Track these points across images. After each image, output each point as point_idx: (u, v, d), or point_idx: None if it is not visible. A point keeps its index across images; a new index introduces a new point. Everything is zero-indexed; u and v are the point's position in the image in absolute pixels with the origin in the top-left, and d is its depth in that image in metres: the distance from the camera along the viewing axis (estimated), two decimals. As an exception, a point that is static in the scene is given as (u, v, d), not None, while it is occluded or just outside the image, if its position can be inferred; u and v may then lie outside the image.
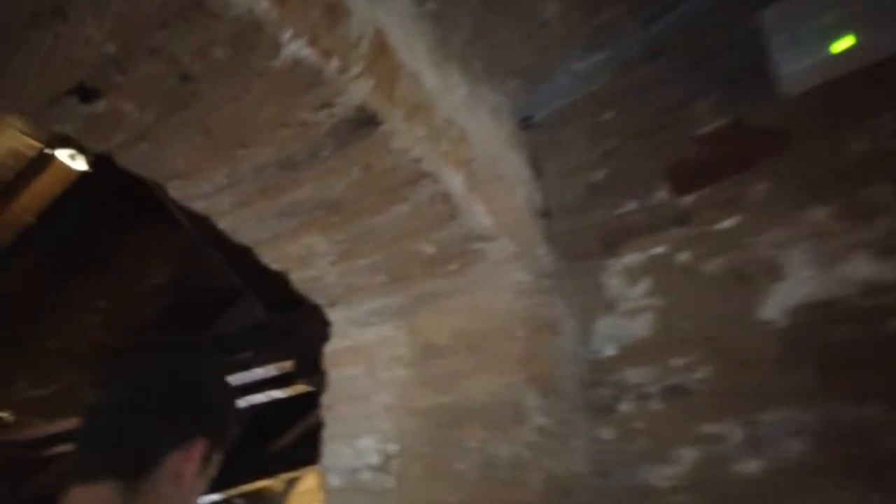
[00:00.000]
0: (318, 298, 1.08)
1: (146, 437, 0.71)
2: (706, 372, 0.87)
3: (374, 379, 1.01)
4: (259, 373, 2.97)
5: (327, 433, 1.01)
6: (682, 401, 0.88)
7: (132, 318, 3.57)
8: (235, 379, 3.00)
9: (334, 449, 0.98)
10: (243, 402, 3.23)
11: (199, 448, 0.72)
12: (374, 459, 0.94)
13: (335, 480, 0.96)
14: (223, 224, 0.96)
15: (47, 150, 3.25)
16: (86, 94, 0.76)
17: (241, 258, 3.04)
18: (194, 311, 3.45)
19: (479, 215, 0.93)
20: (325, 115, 0.78)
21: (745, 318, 0.88)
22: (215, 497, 5.51)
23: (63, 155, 3.16)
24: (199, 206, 0.93)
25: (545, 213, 1.14)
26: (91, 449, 0.74)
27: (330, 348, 1.09)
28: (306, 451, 5.78)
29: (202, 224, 3.03)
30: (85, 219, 3.71)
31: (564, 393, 0.93)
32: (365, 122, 0.78)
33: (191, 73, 0.72)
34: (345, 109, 0.77)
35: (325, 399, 1.05)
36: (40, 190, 3.38)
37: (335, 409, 1.02)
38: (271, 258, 1.01)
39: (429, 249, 0.96)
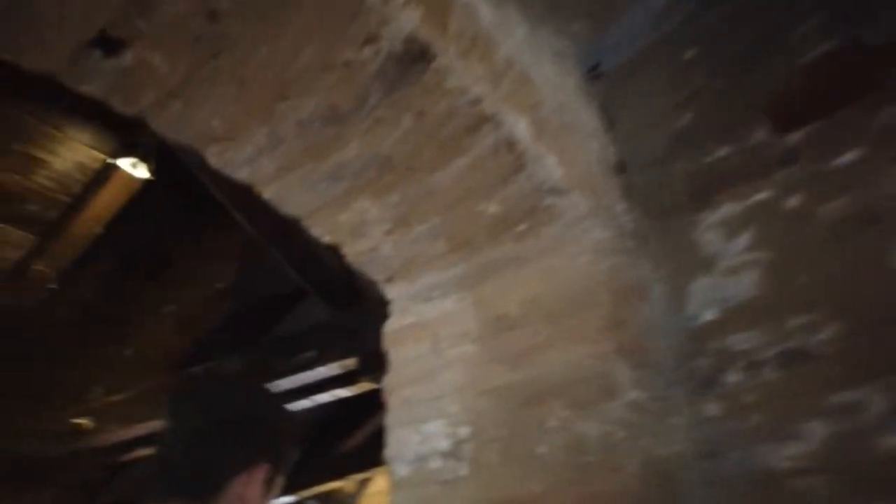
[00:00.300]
0: (375, 273, 0.99)
1: (212, 463, 0.80)
2: (832, 332, 0.73)
3: (440, 357, 0.91)
4: (323, 372, 2.92)
5: (391, 419, 0.92)
6: (803, 367, 0.74)
7: (199, 323, 3.61)
8: (300, 379, 2.97)
9: (400, 436, 0.89)
10: (309, 402, 3.20)
11: (260, 473, 0.80)
12: (444, 445, 0.84)
13: (402, 470, 0.86)
14: (268, 193, 0.88)
15: (110, 161, 3.31)
16: (109, 45, 0.69)
17: (302, 258, 3.02)
18: (258, 313, 3.45)
19: (550, 166, 0.82)
20: (370, 52, 0.68)
21: (878, 267, 0.73)
22: (288, 499, 5.55)
23: (125, 164, 3.20)
24: (241, 174, 0.85)
25: (621, 168, 1.02)
26: (163, 471, 0.82)
27: (390, 327, 1.00)
28: (376, 451, 5.75)
29: (262, 225, 3.02)
30: (150, 226, 3.78)
31: (659, 364, 0.81)
32: (415, 57, 0.69)
33: (219, 10, 0.64)
34: (392, 43, 0.67)
35: (388, 382, 0.95)
36: (106, 200, 3.45)
37: (399, 393, 0.93)
38: (322, 229, 0.93)
39: (493, 209, 0.86)
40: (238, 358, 3.14)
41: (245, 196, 2.87)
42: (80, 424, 3.63)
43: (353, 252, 0.96)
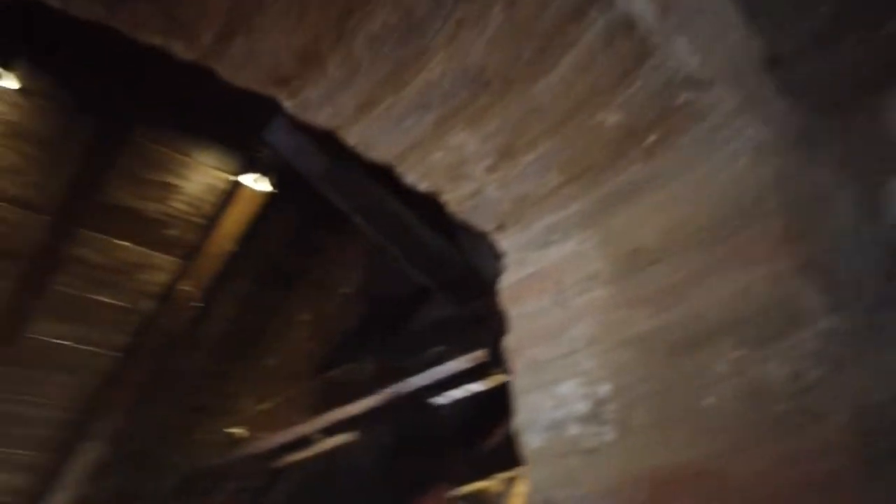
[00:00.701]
0: (483, 222, 0.87)
1: (399, 484, 0.70)
2: None
3: (567, 308, 0.76)
4: (453, 366, 2.83)
5: (518, 384, 0.79)
6: None
7: (333, 329, 3.66)
8: (430, 375, 2.90)
9: (530, 402, 0.75)
10: (443, 399, 3.12)
11: (441, 492, 0.71)
12: (582, 408, 0.70)
13: (535, 440, 0.73)
14: (353, 139, 0.78)
15: (234, 179, 3.44)
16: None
17: (425, 257, 2.96)
18: (386, 314, 3.45)
19: (682, 51, 0.65)
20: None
21: None
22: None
23: (248, 180, 3.32)
24: (321, 117, 0.76)
25: (773, 62, 0.82)
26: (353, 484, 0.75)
27: (505, 282, 0.86)
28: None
29: (384, 228, 3.00)
30: (278, 239, 3.90)
31: (855, 284, 0.61)
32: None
33: None
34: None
35: (510, 343, 0.82)
36: (236, 218, 3.60)
37: (524, 354, 0.79)
38: (417, 174, 0.82)
39: (614, 119, 0.71)
40: (371, 359, 3.14)
41: (365, 200, 2.85)
42: (235, 434, 3.80)
43: (456, 199, 0.84)
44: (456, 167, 0.79)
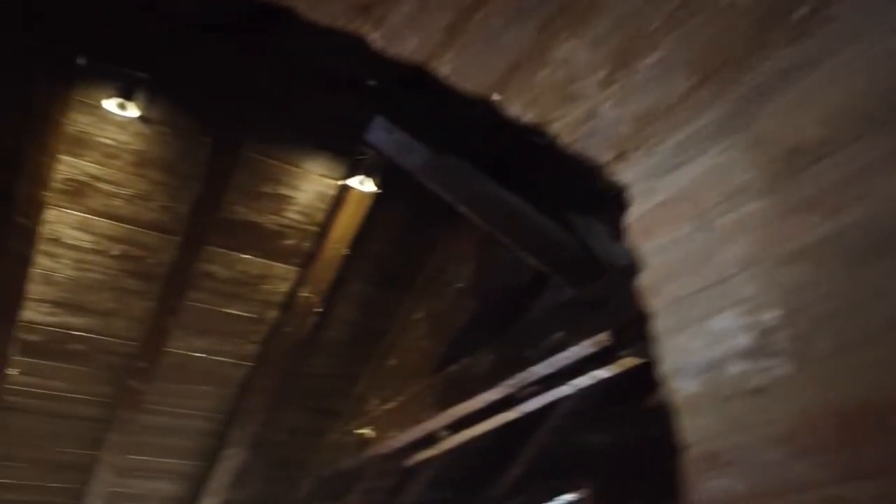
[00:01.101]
0: (600, 152, 0.76)
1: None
2: None
3: (712, 231, 0.65)
4: (576, 352, 2.70)
5: (660, 326, 0.68)
6: None
7: (449, 325, 3.63)
8: (553, 363, 2.78)
9: (677, 344, 0.64)
10: (569, 388, 2.99)
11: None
12: (744, 341, 0.58)
13: (688, 385, 0.62)
14: (446, 68, 0.71)
15: (340, 182, 3.50)
16: None
17: (538, 243, 2.86)
18: (501, 305, 3.37)
19: None
20: None
21: None
22: (570, 497, 5.34)
23: (355, 182, 3.36)
24: (409, 47, 0.70)
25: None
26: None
27: (633, 217, 0.75)
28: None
29: (494, 219, 2.93)
30: (389, 240, 3.93)
31: None
32: None
33: None
34: None
35: (645, 282, 0.71)
36: (347, 222, 3.66)
37: (663, 291, 0.68)
38: (521, 102, 0.73)
39: (751, -6, 0.59)
40: (490, 352, 3.06)
41: (471, 189, 2.78)
42: (364, 434, 3.85)
43: (566, 127, 0.74)
44: (565, 85, 0.69)
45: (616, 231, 2.89)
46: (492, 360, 3.00)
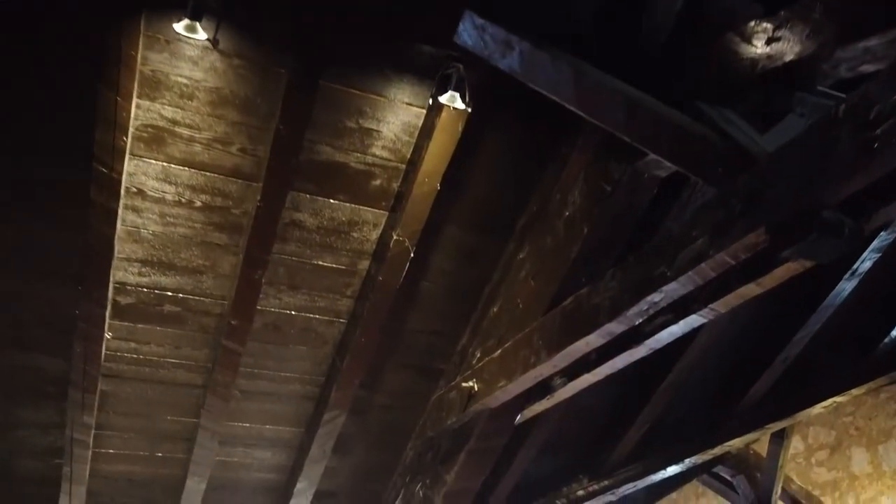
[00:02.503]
0: None
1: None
2: None
3: None
4: (721, 261, 2.24)
5: None
6: None
7: (560, 259, 3.23)
8: (691, 280, 2.33)
9: None
10: (707, 313, 2.53)
11: None
12: None
13: None
14: None
15: (428, 104, 3.18)
16: None
17: (663, 136, 2.42)
18: (622, 227, 2.95)
19: None
20: None
21: None
22: (677, 468, 4.81)
23: (444, 99, 3.02)
24: None
25: None
26: None
27: None
28: (793, 392, 4.71)
29: (606, 109, 2.51)
30: (484, 174, 3.58)
31: None
32: None
33: None
34: None
35: None
36: (437, 153, 3.33)
37: None
38: None
39: None
40: (613, 277, 2.65)
41: (585, 86, 2.35)
42: (470, 388, 3.53)
43: None
44: None
45: (758, 121, 2.40)
46: (615, 286, 2.59)
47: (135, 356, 3.86)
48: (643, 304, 2.46)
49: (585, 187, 3.10)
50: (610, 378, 4.63)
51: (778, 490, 7.29)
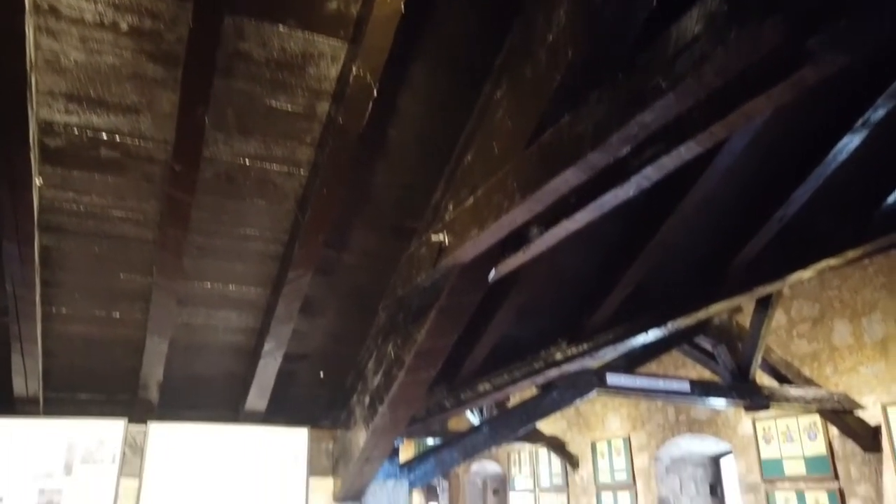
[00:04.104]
0: None
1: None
2: None
3: None
4: (729, 63, 1.87)
5: None
6: None
7: (536, 91, 2.83)
8: (688, 90, 1.97)
9: None
10: (699, 144, 2.19)
11: None
12: None
13: None
14: None
15: None
16: None
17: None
18: (613, 43, 2.52)
19: None
20: None
21: None
22: (659, 332, 4.64)
23: None
24: None
25: None
26: None
27: None
28: (786, 253, 4.48)
29: None
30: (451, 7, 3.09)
31: None
32: None
33: None
34: None
35: None
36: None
37: None
38: None
39: None
40: (596, 102, 2.26)
41: None
42: (440, 242, 3.24)
43: None
44: None
45: None
46: (601, 109, 2.21)
47: (75, 207, 3.52)
48: (632, 127, 2.10)
49: (572, 3, 2.64)
50: (593, 238, 4.38)
51: (758, 360, 7.31)
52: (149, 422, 4.57)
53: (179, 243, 3.60)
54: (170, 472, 4.51)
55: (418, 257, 3.55)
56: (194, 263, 3.92)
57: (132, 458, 4.44)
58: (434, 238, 3.30)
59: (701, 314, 4.41)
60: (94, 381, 4.54)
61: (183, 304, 4.13)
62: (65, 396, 4.49)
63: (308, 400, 5.16)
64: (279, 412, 5.02)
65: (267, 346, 4.21)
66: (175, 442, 4.59)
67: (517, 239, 3.06)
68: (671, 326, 4.49)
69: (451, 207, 3.44)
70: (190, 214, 3.50)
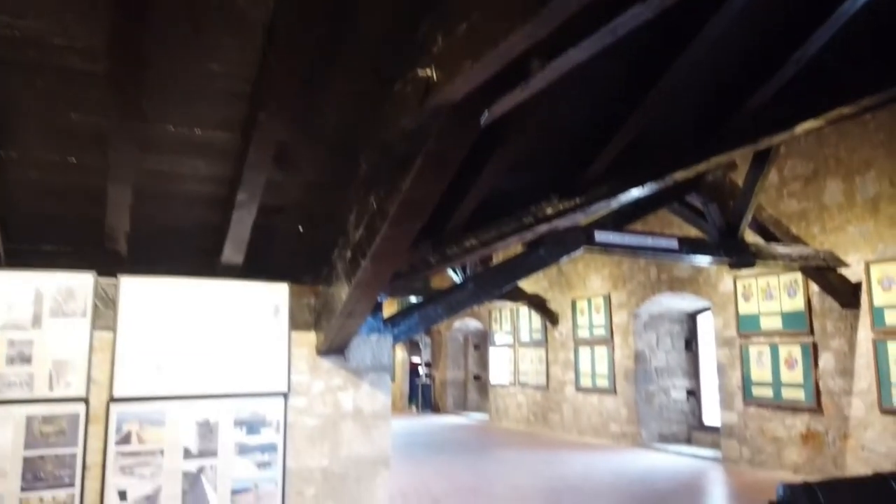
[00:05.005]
0: None
1: None
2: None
3: None
4: None
5: None
6: None
7: None
8: None
9: None
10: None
11: None
12: None
13: None
14: None
15: None
16: None
17: None
18: None
19: None
20: None
21: None
22: (655, 185, 4.41)
23: None
24: None
25: None
26: None
27: None
28: (800, 99, 4.16)
29: None
30: None
31: None
32: None
33: None
34: None
35: None
36: None
37: None
38: None
39: None
40: None
41: None
42: (428, 77, 2.88)
43: None
44: None
45: None
46: None
47: (10, 33, 3.07)
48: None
49: None
50: (592, 84, 4.01)
51: (749, 217, 7.21)
52: (119, 275, 4.37)
53: (132, 76, 3.20)
54: (147, 326, 4.39)
55: (403, 97, 3.20)
56: (154, 104, 3.52)
57: (105, 311, 4.30)
58: (420, 74, 2.94)
59: (702, 166, 4.17)
60: (58, 233, 4.28)
61: (145, 150, 3.79)
62: (28, 248, 4.25)
63: (288, 255, 4.99)
64: (258, 268, 4.85)
65: (240, 197, 3.94)
66: (151, 296, 4.44)
67: (515, 74, 2.71)
68: (669, 180, 4.27)
69: (440, 39, 3.03)
70: (142, 46, 3.08)
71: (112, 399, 4.21)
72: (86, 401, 4.14)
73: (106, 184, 3.86)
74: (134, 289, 4.39)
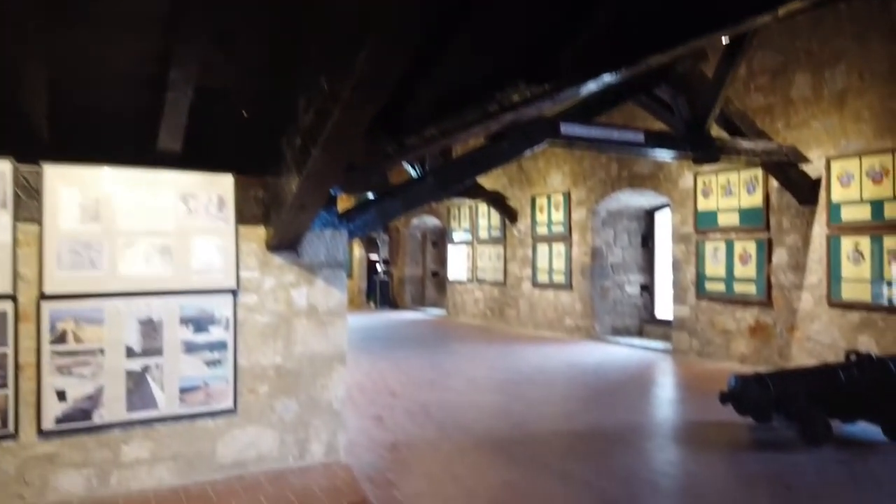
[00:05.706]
0: None
1: None
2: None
3: None
4: None
5: None
6: None
7: None
8: None
9: None
10: None
11: None
12: None
13: None
14: None
15: None
16: None
17: None
18: None
19: None
20: None
21: None
22: (628, 70, 4.09)
23: None
24: None
25: None
26: None
27: None
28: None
29: None
30: None
31: None
32: None
33: None
34: None
35: None
36: None
37: None
38: None
39: None
40: None
41: None
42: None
43: None
44: None
45: None
46: None
47: None
48: None
49: None
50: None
51: (717, 111, 7.01)
52: (42, 163, 3.96)
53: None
54: (78, 219, 4.03)
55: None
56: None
57: (28, 201, 3.91)
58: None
59: (679, 50, 3.87)
60: (-34, 116, 3.81)
61: (58, 20, 3.30)
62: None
63: (233, 144, 4.61)
64: (201, 157, 4.48)
65: (173, 75, 3.51)
66: (81, 186, 4.05)
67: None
68: (644, 65, 3.98)
69: None
70: None
71: (42, 296, 3.91)
72: (13, 298, 3.84)
73: (20, 60, 3.39)
74: (60, 177, 3.98)
